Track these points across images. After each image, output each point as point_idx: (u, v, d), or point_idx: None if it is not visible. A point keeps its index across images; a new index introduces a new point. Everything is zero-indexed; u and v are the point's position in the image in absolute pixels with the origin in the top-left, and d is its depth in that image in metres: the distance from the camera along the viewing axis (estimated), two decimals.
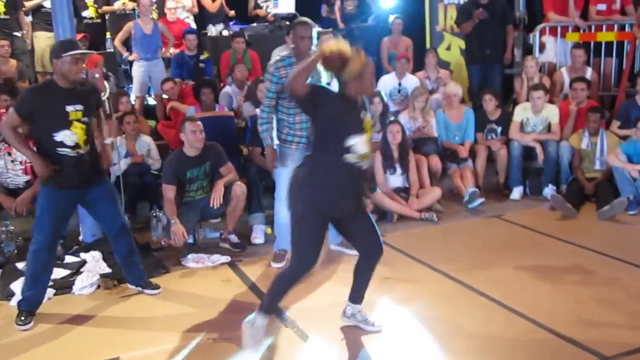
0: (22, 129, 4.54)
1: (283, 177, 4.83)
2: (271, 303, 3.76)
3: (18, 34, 8.05)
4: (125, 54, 8.13)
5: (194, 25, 8.98)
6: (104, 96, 5.65)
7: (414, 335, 3.98)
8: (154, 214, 5.98)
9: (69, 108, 4.22)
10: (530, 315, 4.13)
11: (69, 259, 5.35)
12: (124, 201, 5.69)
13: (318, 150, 3.56)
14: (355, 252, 3.82)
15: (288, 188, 3.60)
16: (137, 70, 7.94)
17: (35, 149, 4.37)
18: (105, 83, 5.72)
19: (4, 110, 5.88)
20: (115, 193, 4.67)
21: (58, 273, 5.02)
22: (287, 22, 9.08)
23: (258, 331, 3.73)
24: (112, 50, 8.55)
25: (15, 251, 5.48)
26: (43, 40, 8.12)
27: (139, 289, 4.77)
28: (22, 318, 4.31)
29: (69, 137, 4.24)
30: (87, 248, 5.45)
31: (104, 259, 5.24)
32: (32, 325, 4.31)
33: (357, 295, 3.96)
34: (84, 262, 5.24)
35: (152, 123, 7.79)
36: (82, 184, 4.36)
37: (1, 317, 4.45)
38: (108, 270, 5.09)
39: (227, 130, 6.64)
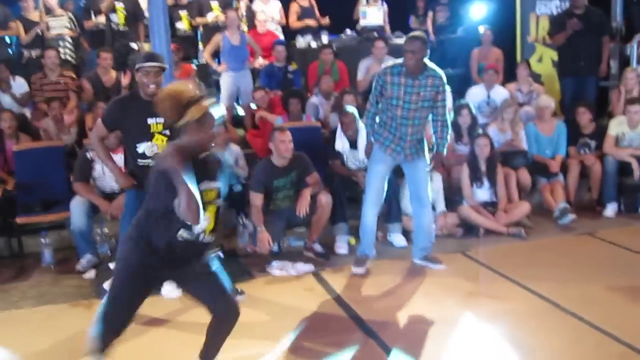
0: (113, 138, 4.72)
1: (370, 174, 5.16)
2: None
3: (135, 46, 8.34)
4: (214, 65, 8.34)
5: (282, 37, 9.13)
6: None
7: (498, 354, 3.88)
8: (241, 222, 6.08)
9: (150, 120, 4.33)
10: (624, 339, 3.94)
11: None
12: None
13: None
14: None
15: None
16: (226, 81, 8.13)
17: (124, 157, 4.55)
18: None
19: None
20: None
21: None
22: (375, 34, 9.10)
23: None
24: (204, 61, 8.80)
25: (109, 252, 5.70)
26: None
27: None
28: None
29: (149, 148, 4.37)
30: None
31: None
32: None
33: (207, 354, 3.56)
34: None
35: (240, 132, 7.95)
36: None
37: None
38: None
39: (314, 141, 6.71)
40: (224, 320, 3.40)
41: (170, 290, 5.00)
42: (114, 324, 3.20)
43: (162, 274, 3.23)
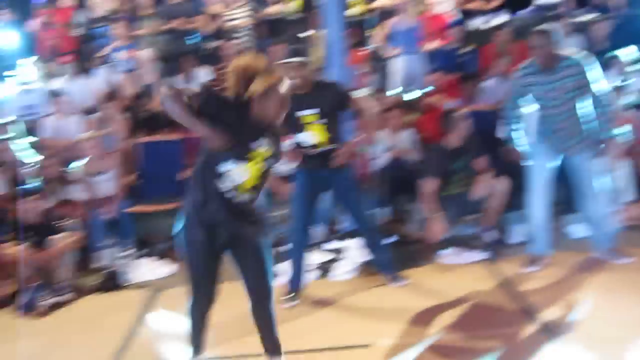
0: None
1: (533, 170, 4.92)
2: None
3: (307, 34, 8.51)
4: (386, 50, 8.29)
5: (458, 18, 8.87)
6: (367, 92, 5.85)
7: None
8: (412, 208, 6.05)
9: (301, 113, 4.42)
10: None
11: (329, 245, 5.65)
12: (382, 194, 5.84)
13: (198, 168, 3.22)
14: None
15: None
16: (397, 65, 8.06)
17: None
18: (368, 79, 5.90)
19: None
20: (356, 184, 4.81)
21: (320, 258, 5.35)
22: (552, 11, 8.57)
23: None
24: (374, 46, 8.78)
25: (283, 235, 5.89)
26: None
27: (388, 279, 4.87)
28: (286, 297, 4.69)
29: (307, 138, 4.49)
30: (348, 235, 5.68)
31: (364, 247, 5.43)
32: (296, 303, 4.65)
33: (264, 345, 3.48)
34: (344, 249, 5.49)
35: (412, 117, 7.87)
36: (322, 171, 4.57)
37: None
38: (367, 258, 5.26)
39: (488, 125, 6.48)
40: (252, 302, 3.37)
41: (338, 273, 5.11)
42: (191, 291, 3.35)
43: (213, 237, 3.22)
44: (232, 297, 3.58)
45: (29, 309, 5.03)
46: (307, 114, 4.43)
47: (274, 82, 3.09)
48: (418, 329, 4.08)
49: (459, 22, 8.47)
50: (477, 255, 5.31)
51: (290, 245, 4.80)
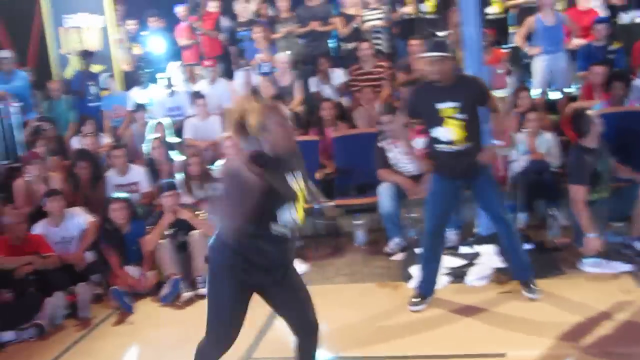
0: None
1: None
2: None
3: (442, 33, 8.44)
4: (527, 48, 7.99)
5: (605, 14, 8.38)
6: (507, 92, 5.66)
7: None
8: (551, 213, 5.78)
9: (439, 105, 4.32)
10: None
11: (463, 249, 5.51)
12: (521, 198, 5.62)
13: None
14: None
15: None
16: (539, 64, 7.74)
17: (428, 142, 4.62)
18: (507, 79, 5.70)
19: None
20: (495, 184, 4.65)
21: (453, 262, 5.23)
22: None
23: None
24: (515, 44, 8.49)
25: (416, 237, 5.84)
26: None
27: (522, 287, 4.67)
28: (414, 300, 4.62)
29: (443, 133, 4.36)
30: (482, 241, 5.52)
31: (499, 254, 5.25)
32: (423, 308, 4.58)
33: None
34: (478, 254, 5.34)
35: (554, 118, 7.53)
36: (463, 175, 4.45)
37: (400, 297, 4.80)
38: (502, 265, 5.08)
39: (637, 127, 6.06)
40: (301, 337, 3.19)
41: (473, 278, 4.97)
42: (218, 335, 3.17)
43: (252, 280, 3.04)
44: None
45: (170, 299, 5.29)
46: (446, 106, 4.32)
47: (266, 113, 2.91)
48: (555, 342, 3.87)
49: (606, 19, 7.99)
50: (624, 265, 4.96)
51: (422, 249, 4.72)
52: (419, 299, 4.63)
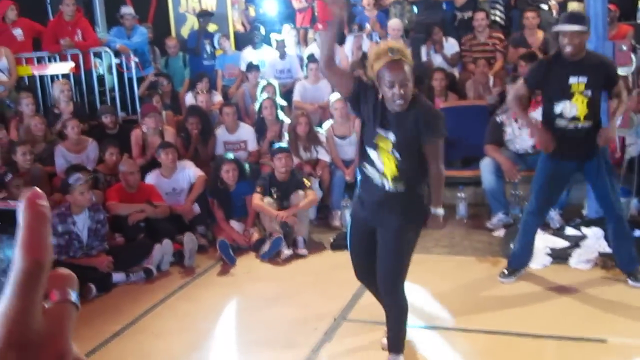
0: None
1: None
2: None
3: (545, 6, 8.15)
4: None
5: None
6: (630, 70, 5.37)
7: None
8: None
9: (572, 80, 4.16)
10: None
11: (569, 231, 5.33)
12: (636, 183, 5.35)
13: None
14: None
15: None
16: None
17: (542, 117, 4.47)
18: (632, 56, 5.40)
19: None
20: (611, 170, 4.46)
21: (557, 243, 5.09)
22: None
23: None
24: None
25: (520, 214, 5.69)
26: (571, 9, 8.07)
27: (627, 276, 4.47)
28: (505, 272, 4.61)
29: (568, 108, 4.20)
30: (589, 223, 5.32)
31: (606, 238, 5.05)
32: (513, 280, 4.56)
33: (388, 342, 3.39)
34: (584, 237, 5.16)
35: None
36: (577, 156, 4.29)
37: (498, 273, 4.71)
38: (608, 250, 4.88)
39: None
40: (384, 305, 3.38)
41: (577, 261, 4.82)
42: (356, 272, 3.48)
43: (367, 222, 3.28)
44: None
45: (271, 256, 5.45)
46: (578, 81, 4.18)
47: (385, 63, 2.99)
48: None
49: None
50: None
51: (521, 224, 4.65)
52: (510, 272, 4.61)
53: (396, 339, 3.36)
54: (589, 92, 4.17)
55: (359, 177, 3.35)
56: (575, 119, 4.21)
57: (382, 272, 3.23)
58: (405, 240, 3.19)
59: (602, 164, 4.36)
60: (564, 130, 4.25)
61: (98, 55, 7.98)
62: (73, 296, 0.65)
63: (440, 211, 3.21)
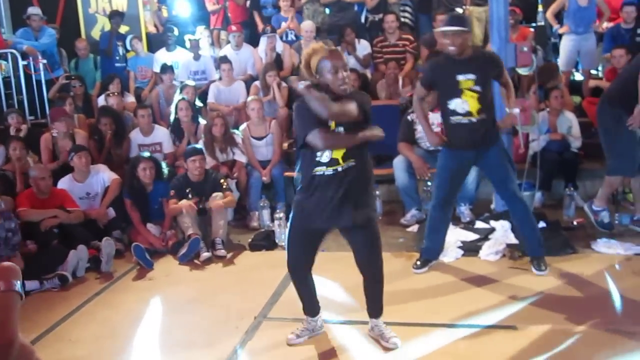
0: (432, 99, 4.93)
1: None
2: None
3: (460, 10, 8.45)
4: (556, 26, 7.96)
5: None
6: (530, 70, 5.66)
7: None
8: (568, 193, 5.82)
9: (459, 77, 4.41)
10: None
11: (479, 224, 5.58)
12: (539, 177, 5.65)
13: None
14: None
15: None
16: (566, 44, 7.72)
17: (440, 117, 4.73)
18: (533, 56, 5.70)
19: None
20: (510, 161, 4.70)
21: (468, 236, 5.32)
22: None
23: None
24: (542, 23, 8.45)
25: None
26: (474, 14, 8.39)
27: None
28: (418, 263, 4.85)
29: (460, 105, 4.45)
30: (497, 217, 5.58)
31: (513, 230, 5.30)
32: (425, 270, 4.80)
33: (370, 309, 3.80)
34: (492, 230, 5.40)
35: (576, 99, 7.53)
36: (473, 145, 4.53)
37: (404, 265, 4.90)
38: (515, 241, 5.14)
39: None
40: (364, 276, 3.70)
41: (486, 253, 5.04)
42: (289, 262, 3.70)
43: (320, 215, 3.47)
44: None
45: (189, 258, 5.43)
46: (465, 78, 4.42)
47: (323, 55, 3.30)
48: (564, 317, 3.94)
49: (635, 1, 7.92)
50: (636, 247, 5.00)
51: (428, 219, 4.87)
52: (422, 263, 4.83)
53: (381, 306, 3.79)
54: (478, 88, 4.42)
55: (303, 184, 3.54)
56: (468, 113, 4.45)
57: (369, 259, 3.65)
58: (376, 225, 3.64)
59: (501, 153, 4.60)
60: (460, 125, 4.50)
61: (4, 57, 7.71)
62: (17, 286, 0.69)
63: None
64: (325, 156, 3.38)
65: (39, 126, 7.31)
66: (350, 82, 3.38)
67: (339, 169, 3.40)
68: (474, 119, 4.46)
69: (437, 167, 4.79)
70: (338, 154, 3.38)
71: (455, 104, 4.48)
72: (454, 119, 4.52)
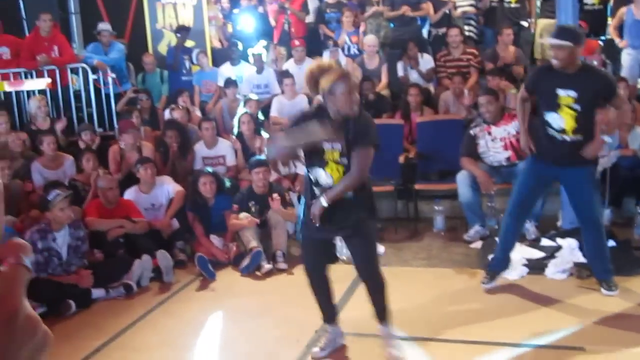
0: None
1: None
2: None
3: (525, 23, 8.34)
4: (618, 40, 7.74)
5: None
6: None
7: None
8: (639, 210, 5.62)
9: (560, 92, 4.22)
10: None
11: (545, 242, 5.43)
12: (608, 194, 5.48)
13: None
14: None
15: None
16: (626, 58, 7.49)
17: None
18: None
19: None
20: (595, 184, 4.52)
21: (534, 254, 5.18)
22: None
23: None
24: (609, 37, 8.24)
25: (496, 226, 5.79)
26: (542, 27, 8.26)
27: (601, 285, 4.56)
28: (486, 277, 4.72)
29: (556, 120, 4.26)
30: (564, 234, 5.42)
31: (580, 249, 5.14)
32: (494, 285, 4.69)
33: (376, 315, 3.79)
34: (559, 248, 5.25)
35: None
36: (560, 162, 4.36)
37: (476, 284, 4.78)
38: (583, 260, 4.98)
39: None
40: (364, 283, 3.74)
41: (552, 271, 4.91)
42: (305, 267, 3.86)
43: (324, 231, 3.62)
44: None
45: (250, 270, 5.46)
46: (566, 94, 4.22)
47: (338, 77, 3.33)
48: (634, 338, 3.79)
49: None
50: None
51: (501, 227, 4.76)
52: (490, 276, 4.72)
53: (385, 311, 3.76)
54: (578, 107, 4.19)
55: (305, 200, 3.70)
56: (562, 131, 4.28)
57: (364, 264, 3.69)
58: (368, 232, 3.65)
59: (586, 177, 4.39)
60: (553, 138, 4.34)
61: (75, 71, 7.97)
62: (25, 261, 0.71)
63: (324, 202, 3.47)
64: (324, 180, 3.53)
65: (107, 138, 7.51)
66: (358, 103, 3.48)
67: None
68: (568, 138, 4.27)
69: (520, 172, 4.68)
70: (337, 178, 3.49)
71: (551, 118, 4.31)
72: (549, 131, 4.35)
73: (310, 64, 7.62)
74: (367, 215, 3.61)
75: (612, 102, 4.32)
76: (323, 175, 3.50)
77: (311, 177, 3.56)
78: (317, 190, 3.54)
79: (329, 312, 3.91)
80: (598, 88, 4.24)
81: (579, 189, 4.43)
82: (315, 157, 3.50)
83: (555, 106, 4.25)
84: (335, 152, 3.46)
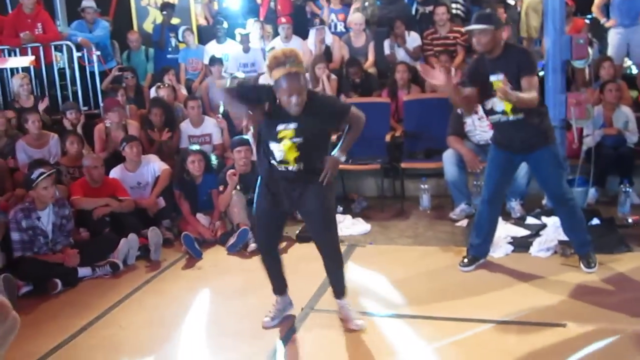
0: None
1: None
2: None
3: (511, 1, 8.32)
4: (603, 20, 7.73)
5: None
6: (586, 62, 5.53)
7: None
8: (624, 189, 5.66)
9: (492, 77, 4.25)
10: None
11: (530, 220, 5.48)
12: (593, 173, 5.52)
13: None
14: None
15: None
16: (614, 38, 7.48)
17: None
18: (589, 49, 5.57)
19: None
20: (559, 164, 4.52)
21: (519, 232, 5.23)
22: None
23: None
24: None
25: None
26: (527, 4, 8.19)
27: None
28: (465, 261, 4.74)
29: (496, 104, 4.32)
30: (549, 213, 5.46)
31: None
32: (472, 269, 4.70)
33: (334, 291, 3.97)
34: (544, 226, 5.30)
35: (633, 94, 7.30)
36: (515, 147, 4.41)
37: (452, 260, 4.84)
38: (566, 238, 5.02)
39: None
40: (322, 256, 3.84)
41: (536, 249, 4.95)
42: (257, 241, 4.17)
43: (279, 200, 3.77)
44: None
45: (237, 249, 5.47)
46: (495, 79, 4.25)
47: (284, 74, 3.42)
48: (616, 316, 3.84)
49: None
50: None
51: (477, 215, 4.78)
52: (469, 260, 4.73)
53: (343, 286, 3.94)
54: (511, 87, 4.14)
55: (261, 174, 3.85)
56: (504, 112, 4.32)
57: (323, 239, 3.82)
58: (327, 202, 3.75)
59: (546, 156, 4.41)
60: (499, 123, 4.40)
61: (59, 48, 7.88)
62: None
63: (342, 158, 3.76)
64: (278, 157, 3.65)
65: (92, 117, 7.45)
66: (302, 103, 3.50)
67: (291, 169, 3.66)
68: (510, 118, 4.31)
69: (487, 162, 4.70)
70: (290, 157, 3.62)
71: (491, 103, 4.36)
72: (493, 117, 4.43)
73: (296, 41, 7.61)
74: (327, 189, 3.72)
75: (522, 77, 4.20)
76: (277, 151, 3.61)
77: (267, 150, 3.67)
78: (274, 163, 3.66)
79: (279, 285, 4.09)
80: (518, 62, 4.22)
81: (543, 169, 4.47)
82: (269, 133, 3.63)
83: (492, 91, 4.27)
84: (289, 131, 3.57)
